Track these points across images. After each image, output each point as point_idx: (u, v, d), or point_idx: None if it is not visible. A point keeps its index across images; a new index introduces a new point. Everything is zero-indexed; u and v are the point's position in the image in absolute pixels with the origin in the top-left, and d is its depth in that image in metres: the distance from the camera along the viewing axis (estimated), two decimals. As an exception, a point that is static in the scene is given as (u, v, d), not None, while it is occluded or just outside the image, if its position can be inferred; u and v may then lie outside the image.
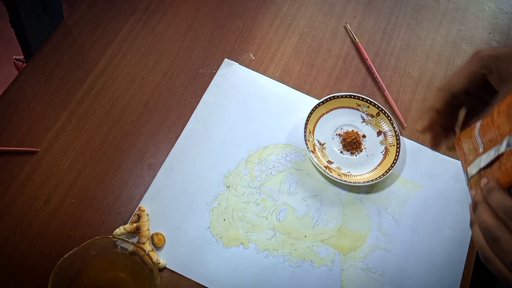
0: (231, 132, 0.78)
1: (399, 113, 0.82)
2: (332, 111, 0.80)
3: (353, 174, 0.76)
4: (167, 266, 0.68)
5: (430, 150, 0.80)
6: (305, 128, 0.77)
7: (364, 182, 0.74)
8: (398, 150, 0.77)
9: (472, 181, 0.48)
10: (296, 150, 0.78)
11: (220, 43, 0.85)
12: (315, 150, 0.77)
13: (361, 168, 0.77)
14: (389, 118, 0.79)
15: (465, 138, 0.50)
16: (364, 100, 0.80)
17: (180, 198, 0.72)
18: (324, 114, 0.80)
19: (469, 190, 0.48)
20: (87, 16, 0.84)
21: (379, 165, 0.77)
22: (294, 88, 0.83)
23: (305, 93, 0.82)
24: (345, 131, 0.79)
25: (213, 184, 0.74)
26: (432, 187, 0.77)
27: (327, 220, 0.73)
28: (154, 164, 0.74)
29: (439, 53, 0.90)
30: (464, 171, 0.50)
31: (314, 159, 0.74)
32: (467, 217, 0.76)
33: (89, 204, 0.71)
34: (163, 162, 0.74)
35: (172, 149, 0.76)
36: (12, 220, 0.68)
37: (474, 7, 0.95)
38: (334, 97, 0.80)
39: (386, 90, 0.83)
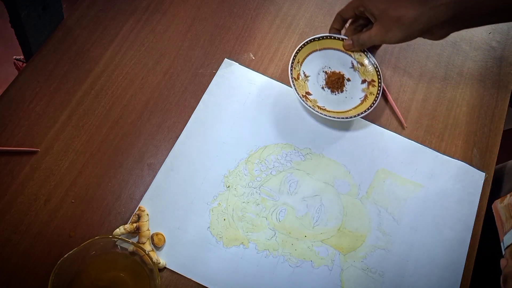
0: (231, 132, 0.78)
1: (399, 113, 0.82)
2: (325, 50, 0.83)
3: (327, 109, 0.79)
4: (167, 266, 0.68)
5: (430, 150, 0.80)
6: (295, 56, 0.80)
7: (333, 117, 0.77)
8: (376, 99, 0.79)
9: (507, 251, 0.47)
10: (296, 150, 0.78)
11: (220, 43, 0.85)
12: (298, 79, 0.80)
13: (337, 106, 0.80)
14: (377, 69, 0.81)
15: (502, 205, 0.49)
16: None
17: (180, 198, 0.72)
18: (317, 50, 0.82)
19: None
20: (87, 16, 0.84)
21: (354, 108, 0.80)
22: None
23: (305, 93, 0.82)
24: (332, 70, 0.83)
25: (213, 184, 0.74)
26: (432, 187, 0.77)
27: (327, 220, 0.73)
28: (154, 164, 0.74)
29: (439, 53, 0.90)
30: (501, 240, 0.49)
31: (295, 86, 0.77)
32: (467, 217, 0.76)
33: (89, 204, 0.71)
34: (163, 162, 0.75)
35: (172, 149, 0.76)
36: (12, 220, 0.68)
37: (474, 7, 0.95)
38: (330, 37, 0.83)
39: (386, 89, 0.84)
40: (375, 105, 0.79)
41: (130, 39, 0.84)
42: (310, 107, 0.77)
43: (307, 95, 0.80)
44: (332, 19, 0.91)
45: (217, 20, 0.88)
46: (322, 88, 0.82)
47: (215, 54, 0.84)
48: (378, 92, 0.80)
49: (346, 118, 0.77)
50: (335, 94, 0.81)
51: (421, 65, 0.88)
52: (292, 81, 0.78)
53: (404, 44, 0.89)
